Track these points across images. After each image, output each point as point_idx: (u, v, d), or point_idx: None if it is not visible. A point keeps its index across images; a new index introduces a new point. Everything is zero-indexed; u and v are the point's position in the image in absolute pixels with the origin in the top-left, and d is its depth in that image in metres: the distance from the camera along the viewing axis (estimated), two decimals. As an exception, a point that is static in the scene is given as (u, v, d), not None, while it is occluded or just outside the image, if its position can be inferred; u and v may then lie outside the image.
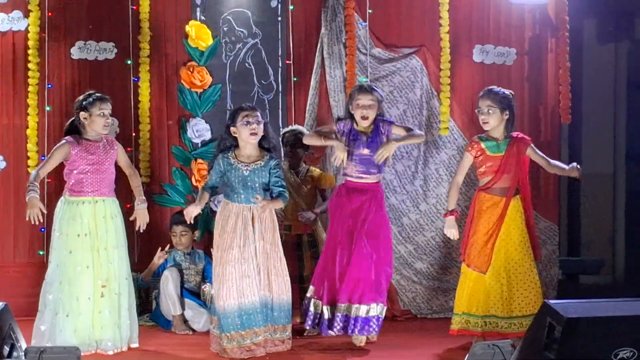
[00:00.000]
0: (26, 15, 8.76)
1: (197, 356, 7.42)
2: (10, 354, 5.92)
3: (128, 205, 8.26)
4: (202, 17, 9.03)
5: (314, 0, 9.09)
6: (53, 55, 8.83)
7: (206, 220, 8.93)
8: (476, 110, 7.59)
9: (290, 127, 8.59)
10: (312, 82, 9.06)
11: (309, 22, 9.12)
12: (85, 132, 7.51)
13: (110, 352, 7.38)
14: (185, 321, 8.29)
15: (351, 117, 7.59)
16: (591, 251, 10.92)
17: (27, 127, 8.75)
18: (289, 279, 7.41)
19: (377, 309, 7.46)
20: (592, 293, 9.83)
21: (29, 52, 8.73)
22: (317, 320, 7.53)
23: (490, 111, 7.47)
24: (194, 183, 8.96)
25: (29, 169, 8.72)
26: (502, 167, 7.48)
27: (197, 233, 8.72)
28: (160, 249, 8.52)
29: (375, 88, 7.71)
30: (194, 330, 8.26)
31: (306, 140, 7.81)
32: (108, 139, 7.63)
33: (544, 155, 7.71)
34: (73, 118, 7.58)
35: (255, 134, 7.30)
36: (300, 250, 8.38)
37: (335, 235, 7.54)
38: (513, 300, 7.42)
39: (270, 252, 7.31)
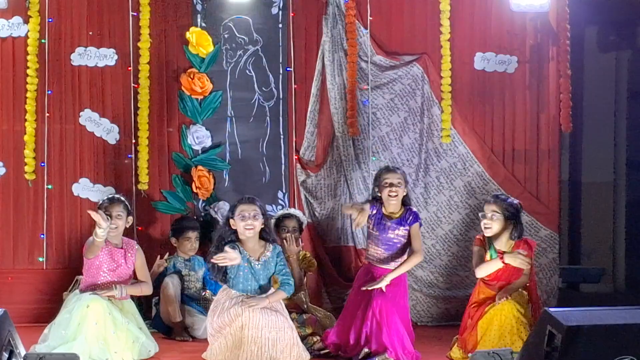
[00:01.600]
0: (26, 21, 8.76)
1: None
2: (9, 361, 5.93)
3: (140, 228, 8.55)
4: (203, 24, 9.03)
5: (315, 7, 9.08)
6: (53, 62, 8.83)
7: (205, 227, 8.91)
8: (480, 215, 7.57)
9: (286, 211, 8.50)
10: (313, 90, 9.05)
11: (309, 29, 9.12)
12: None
13: None
14: (185, 328, 8.26)
15: (377, 201, 7.52)
16: (592, 259, 10.91)
17: (26, 133, 8.74)
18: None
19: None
20: (593, 301, 9.81)
21: (29, 58, 8.73)
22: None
23: (494, 217, 7.45)
24: (194, 190, 8.95)
25: (26, 175, 8.73)
26: (498, 277, 7.47)
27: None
28: (159, 257, 8.50)
29: (400, 167, 7.70)
30: (194, 337, 8.23)
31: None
32: (128, 244, 7.68)
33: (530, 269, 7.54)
34: None
35: (251, 229, 7.17)
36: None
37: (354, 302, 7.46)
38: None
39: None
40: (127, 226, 7.72)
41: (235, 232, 7.20)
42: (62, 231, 8.85)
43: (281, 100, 9.12)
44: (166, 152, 9.01)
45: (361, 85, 9.01)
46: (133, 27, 8.86)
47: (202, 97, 8.99)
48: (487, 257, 7.49)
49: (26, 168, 8.74)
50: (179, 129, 9.01)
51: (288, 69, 9.09)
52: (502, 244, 7.50)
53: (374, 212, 7.47)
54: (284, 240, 8.14)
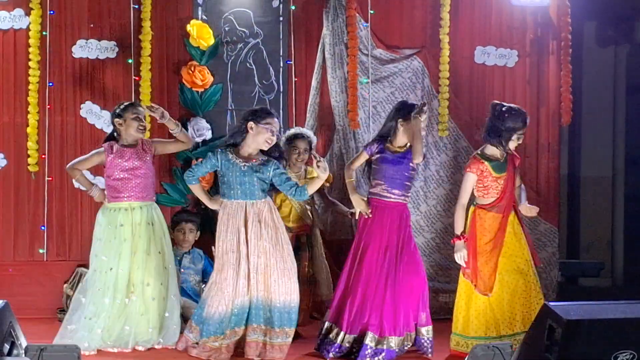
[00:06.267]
0: (28, 13, 8.77)
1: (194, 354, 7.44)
2: (10, 352, 5.93)
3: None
4: (204, 17, 9.03)
5: (316, 0, 9.08)
6: (54, 54, 8.84)
7: (205, 220, 8.92)
8: (518, 137, 7.52)
9: (293, 130, 8.52)
10: (313, 83, 9.05)
11: (310, 22, 9.12)
12: (121, 138, 7.75)
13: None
14: (185, 320, 8.25)
15: (384, 138, 7.51)
16: (591, 254, 10.92)
17: (28, 125, 8.75)
18: (296, 279, 7.32)
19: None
20: (591, 295, 9.84)
21: (30, 50, 8.74)
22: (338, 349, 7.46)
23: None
24: (194, 182, 8.95)
25: (29, 167, 8.74)
26: (506, 187, 7.46)
27: (198, 233, 8.72)
28: None
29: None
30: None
31: (346, 175, 7.65)
32: (144, 142, 7.83)
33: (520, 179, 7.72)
34: (112, 130, 7.85)
35: (270, 144, 7.28)
36: (299, 252, 8.26)
37: (365, 260, 7.41)
38: (516, 317, 7.41)
39: (271, 252, 7.25)
40: (148, 128, 8.04)
41: (243, 136, 7.29)
42: (62, 223, 8.87)
43: (281, 94, 9.13)
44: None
45: (361, 79, 9.01)
46: (134, 19, 8.86)
47: (202, 89, 9.00)
48: (490, 171, 7.47)
49: (29, 160, 8.75)
50: (180, 122, 8.99)
51: (289, 62, 9.10)
52: (500, 155, 7.48)
53: (375, 149, 7.46)
54: (296, 161, 8.30)
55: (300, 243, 8.35)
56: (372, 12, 9.03)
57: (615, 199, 11.07)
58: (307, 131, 8.53)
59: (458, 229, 7.48)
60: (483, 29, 9.24)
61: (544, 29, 9.27)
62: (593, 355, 5.34)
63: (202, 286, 8.43)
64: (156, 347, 7.61)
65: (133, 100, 7.99)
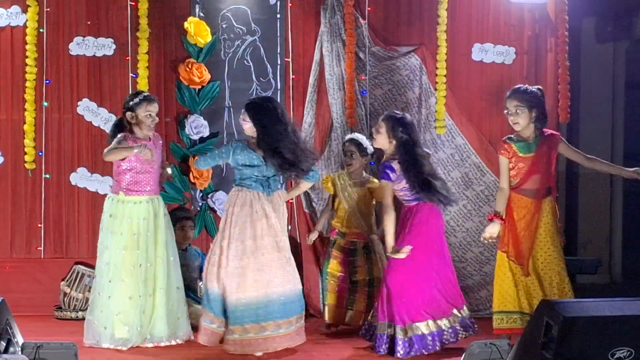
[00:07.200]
0: (24, 10, 8.77)
1: (192, 352, 7.46)
2: (6, 349, 5.93)
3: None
4: (201, 14, 9.02)
5: (313, -3, 9.10)
6: (51, 51, 8.84)
7: (203, 217, 8.92)
8: (504, 112, 7.52)
9: (349, 136, 8.36)
10: (311, 80, 9.04)
11: (308, 19, 9.11)
12: (134, 131, 7.66)
13: (162, 344, 7.59)
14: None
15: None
16: (588, 251, 10.90)
17: (25, 123, 8.75)
18: (267, 271, 7.29)
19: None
20: (589, 292, 9.82)
21: (27, 47, 8.74)
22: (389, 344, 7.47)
23: (518, 111, 7.43)
24: (192, 180, 8.95)
25: (26, 165, 8.74)
26: (532, 167, 7.45)
27: (194, 230, 8.73)
28: None
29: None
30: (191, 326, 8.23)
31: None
32: (154, 135, 7.82)
33: (579, 151, 7.77)
34: (120, 117, 7.75)
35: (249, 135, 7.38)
36: (354, 256, 8.21)
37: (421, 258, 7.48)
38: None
39: (277, 246, 7.30)
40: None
41: None
42: (59, 220, 8.87)
43: (279, 91, 9.12)
44: (164, 142, 9.00)
45: (359, 76, 9.01)
46: (131, 16, 8.86)
47: (200, 87, 8.99)
48: (516, 151, 7.48)
49: (26, 157, 8.76)
50: (177, 119, 9.02)
51: (286, 59, 9.10)
52: (529, 135, 7.50)
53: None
54: (347, 165, 8.25)
55: (357, 248, 8.23)
56: (369, 9, 9.03)
57: (614, 196, 11.05)
58: (359, 136, 8.32)
59: (498, 208, 7.54)
60: (480, 26, 9.22)
61: (542, 25, 9.25)
62: (590, 352, 5.34)
63: (199, 283, 8.42)
64: (175, 340, 7.65)
65: (147, 95, 7.80)
